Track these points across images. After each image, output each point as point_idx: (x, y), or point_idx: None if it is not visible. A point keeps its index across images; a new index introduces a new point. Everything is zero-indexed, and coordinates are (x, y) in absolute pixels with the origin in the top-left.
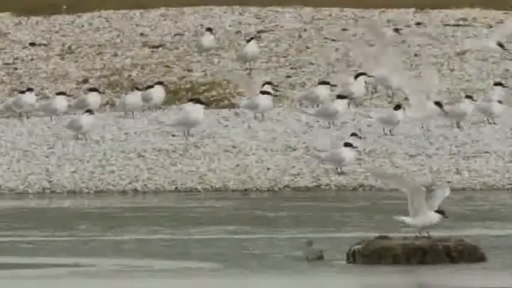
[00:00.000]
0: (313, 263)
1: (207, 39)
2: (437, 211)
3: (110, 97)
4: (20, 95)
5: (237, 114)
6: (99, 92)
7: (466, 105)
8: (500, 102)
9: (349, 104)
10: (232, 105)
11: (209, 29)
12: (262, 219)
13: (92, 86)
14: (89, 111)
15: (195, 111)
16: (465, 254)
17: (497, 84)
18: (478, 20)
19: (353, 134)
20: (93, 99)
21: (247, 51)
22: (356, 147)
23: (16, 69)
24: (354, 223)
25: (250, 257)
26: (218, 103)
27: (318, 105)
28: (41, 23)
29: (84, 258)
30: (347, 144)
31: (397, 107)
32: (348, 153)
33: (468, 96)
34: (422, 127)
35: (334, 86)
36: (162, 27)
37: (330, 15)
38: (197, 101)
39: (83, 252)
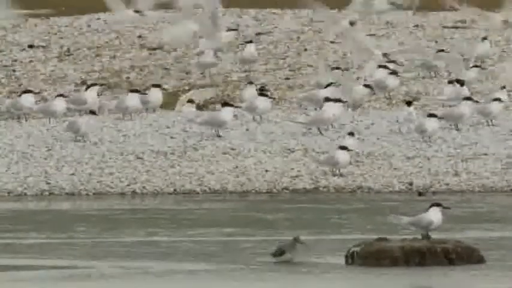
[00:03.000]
0: (306, 264)
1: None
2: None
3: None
4: (18, 97)
5: (235, 116)
6: (100, 85)
7: (464, 107)
8: (499, 99)
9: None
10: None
11: None
12: (261, 221)
13: (91, 82)
14: (92, 112)
15: (224, 112)
16: (464, 256)
17: (503, 87)
18: (476, 23)
19: (350, 134)
20: (92, 95)
21: (246, 54)
22: (351, 150)
23: (15, 71)
24: (353, 225)
25: (248, 259)
26: (216, 105)
27: (320, 107)
28: (39, 25)
29: (83, 260)
30: (342, 147)
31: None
32: (342, 156)
33: (467, 98)
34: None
35: (337, 86)
36: (161, 29)
37: (328, 17)
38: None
39: (81, 254)
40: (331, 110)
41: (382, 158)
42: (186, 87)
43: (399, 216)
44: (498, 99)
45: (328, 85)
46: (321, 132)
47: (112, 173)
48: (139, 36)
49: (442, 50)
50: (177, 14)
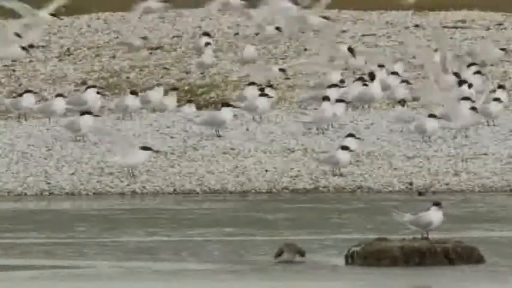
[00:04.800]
0: (307, 265)
1: (205, 42)
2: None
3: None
4: (18, 97)
5: (235, 116)
6: (98, 92)
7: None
8: (498, 100)
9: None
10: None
11: (206, 34)
12: (261, 221)
13: (90, 84)
14: (89, 113)
15: (224, 112)
16: (464, 256)
17: (500, 86)
18: (476, 22)
19: (350, 135)
20: (92, 97)
21: (246, 54)
22: (352, 150)
23: (14, 71)
24: (353, 225)
25: (248, 259)
26: (216, 105)
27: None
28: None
29: (83, 260)
30: (344, 147)
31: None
32: (343, 156)
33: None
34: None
35: (343, 87)
36: (161, 29)
37: (328, 17)
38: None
39: (82, 254)
40: (332, 108)
41: (382, 158)
42: (186, 87)
43: (402, 213)
44: (498, 99)
45: (331, 86)
46: (321, 131)
47: (112, 173)
48: (140, 36)
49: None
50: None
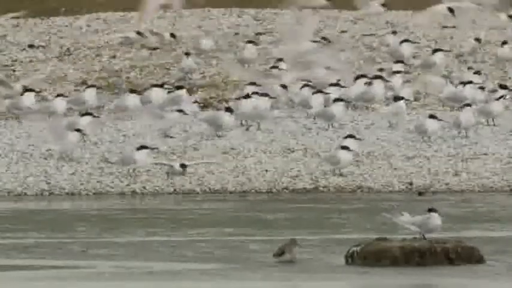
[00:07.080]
0: (307, 264)
1: (206, 42)
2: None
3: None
4: (19, 96)
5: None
6: (98, 88)
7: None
8: (502, 97)
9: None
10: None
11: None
12: (261, 221)
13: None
14: (89, 114)
15: (225, 115)
16: (464, 256)
17: (502, 87)
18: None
19: (349, 136)
20: (91, 96)
21: (246, 54)
22: (352, 150)
23: (14, 71)
24: (352, 225)
25: (248, 259)
26: (216, 105)
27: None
28: (39, 25)
29: (83, 260)
30: (344, 147)
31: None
32: (344, 155)
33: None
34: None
35: (343, 87)
36: (161, 29)
37: (328, 17)
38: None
39: (82, 254)
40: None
41: (382, 158)
42: (186, 87)
43: (405, 213)
44: (500, 98)
45: (332, 84)
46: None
47: (112, 173)
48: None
49: (440, 50)
50: None
